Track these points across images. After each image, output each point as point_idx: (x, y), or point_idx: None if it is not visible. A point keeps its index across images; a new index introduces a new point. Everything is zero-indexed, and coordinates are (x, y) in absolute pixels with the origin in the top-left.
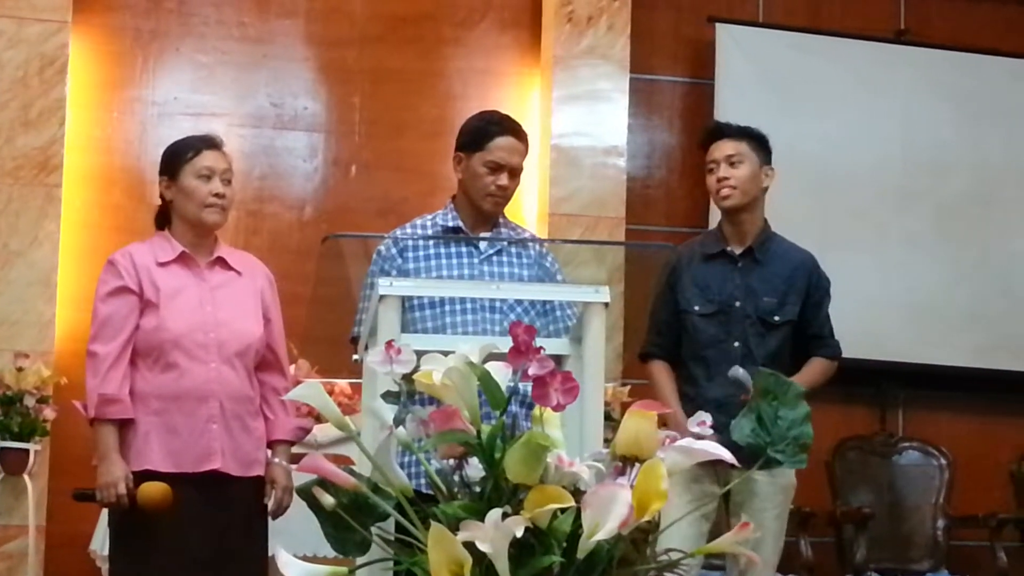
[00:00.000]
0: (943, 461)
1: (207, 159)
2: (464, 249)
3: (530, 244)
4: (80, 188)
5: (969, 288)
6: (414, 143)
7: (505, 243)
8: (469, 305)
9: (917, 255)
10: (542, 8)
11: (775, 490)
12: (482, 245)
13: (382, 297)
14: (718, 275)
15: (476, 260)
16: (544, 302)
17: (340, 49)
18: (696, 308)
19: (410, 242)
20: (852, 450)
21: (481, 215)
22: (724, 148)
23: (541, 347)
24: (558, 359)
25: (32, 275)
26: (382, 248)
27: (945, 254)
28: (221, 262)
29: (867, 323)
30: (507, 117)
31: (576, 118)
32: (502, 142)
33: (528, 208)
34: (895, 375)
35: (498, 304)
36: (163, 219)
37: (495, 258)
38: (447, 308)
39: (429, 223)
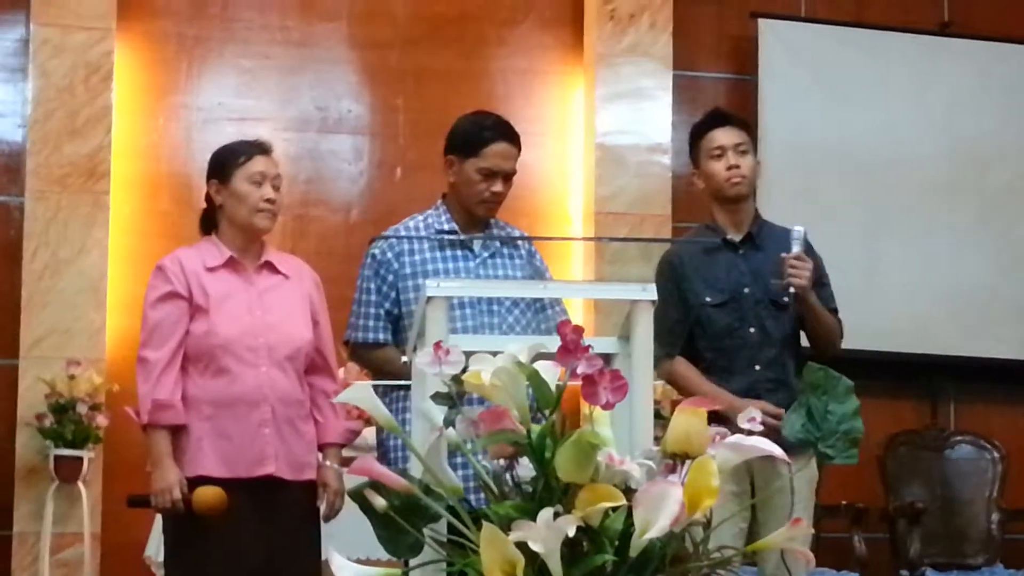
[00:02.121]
0: (995, 454)
1: (259, 164)
2: (460, 253)
3: (520, 244)
4: (127, 195)
5: (1017, 279)
6: None
7: (500, 244)
8: (468, 309)
9: (964, 247)
10: (584, 6)
11: (801, 483)
12: (477, 247)
13: (429, 299)
14: (723, 264)
15: (472, 263)
16: (536, 300)
17: (383, 51)
18: (708, 299)
19: (406, 245)
20: (904, 445)
21: (474, 218)
22: (732, 136)
23: (589, 345)
24: (606, 357)
25: (82, 282)
26: (376, 252)
27: (992, 245)
28: (269, 266)
29: (916, 316)
30: (500, 120)
31: (620, 116)
32: (497, 148)
33: (574, 207)
34: (945, 368)
35: (495, 307)
36: (208, 223)
37: (490, 261)
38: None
39: (422, 224)
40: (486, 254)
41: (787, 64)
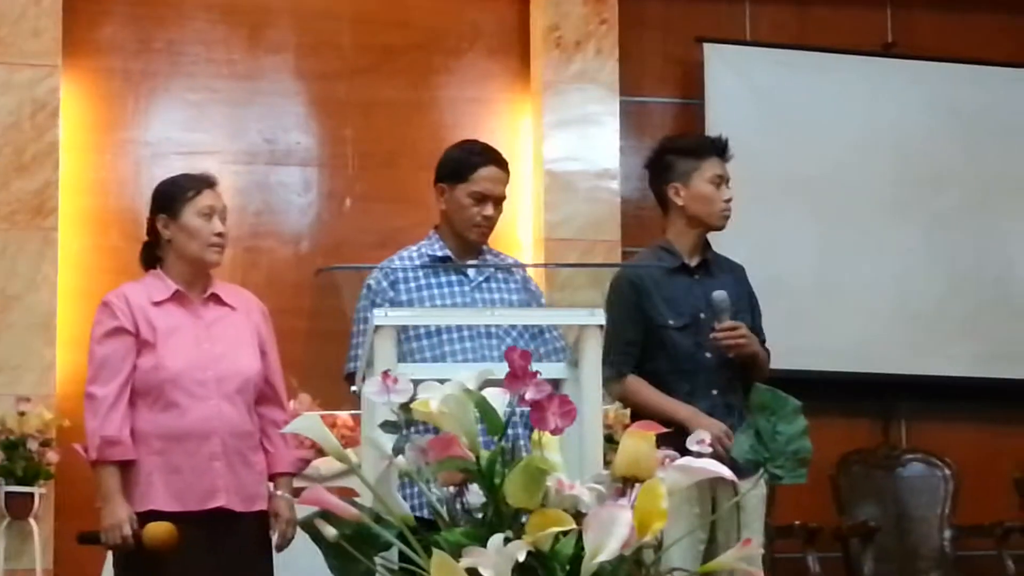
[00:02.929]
0: (947, 471)
1: (208, 198)
2: (455, 278)
3: (515, 270)
4: (76, 230)
5: (966, 297)
6: (408, 173)
7: (494, 269)
8: (467, 332)
9: (914, 266)
10: (530, 34)
11: (757, 502)
12: (471, 273)
13: (377, 328)
14: (682, 288)
15: (467, 288)
16: (535, 325)
17: (330, 82)
18: (671, 322)
19: (400, 274)
20: (855, 464)
21: (467, 244)
22: (727, 169)
23: (538, 371)
24: (556, 383)
25: (31, 319)
26: (372, 282)
27: (941, 264)
28: (215, 298)
29: (866, 336)
30: (488, 147)
31: (568, 143)
32: (486, 173)
33: (523, 234)
34: (896, 387)
35: (494, 330)
36: (150, 257)
37: (484, 285)
38: (444, 337)
39: (416, 254)
40: (481, 279)
41: (733, 88)
